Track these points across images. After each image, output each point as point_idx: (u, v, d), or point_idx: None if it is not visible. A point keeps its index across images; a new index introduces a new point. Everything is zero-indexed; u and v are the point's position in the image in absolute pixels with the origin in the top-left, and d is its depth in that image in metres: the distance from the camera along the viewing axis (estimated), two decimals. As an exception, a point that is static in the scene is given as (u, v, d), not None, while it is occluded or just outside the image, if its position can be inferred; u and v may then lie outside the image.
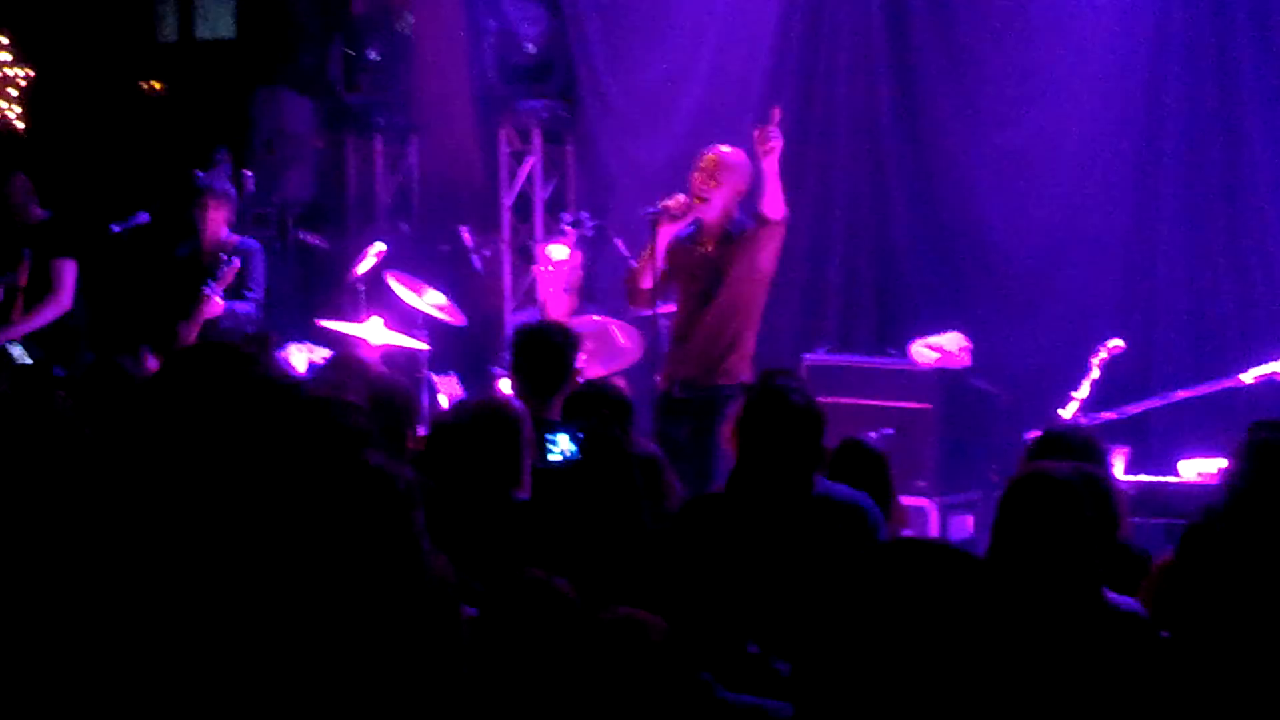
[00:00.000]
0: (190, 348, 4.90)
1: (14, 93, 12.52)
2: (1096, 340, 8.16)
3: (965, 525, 8.77)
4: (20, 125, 12.52)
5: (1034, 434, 5.72)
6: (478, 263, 11.31)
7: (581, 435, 4.73)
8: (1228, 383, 7.85)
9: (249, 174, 11.54)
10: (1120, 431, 7.74)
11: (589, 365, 7.95)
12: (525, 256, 11.35)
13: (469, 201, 11.62)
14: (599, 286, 9.85)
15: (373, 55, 11.62)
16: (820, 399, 4.98)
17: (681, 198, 7.74)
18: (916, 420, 8.74)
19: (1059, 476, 4.16)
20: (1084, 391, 7.96)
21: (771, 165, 7.62)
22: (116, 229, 9.50)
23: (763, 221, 7.69)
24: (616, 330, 8.78)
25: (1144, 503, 7.09)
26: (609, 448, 4.56)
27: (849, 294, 9.89)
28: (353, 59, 11.66)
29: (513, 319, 9.38)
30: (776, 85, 10.04)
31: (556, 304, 9.03)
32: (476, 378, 9.65)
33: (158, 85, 13.60)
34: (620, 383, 8.11)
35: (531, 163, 11.36)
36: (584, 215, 10.54)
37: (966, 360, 8.93)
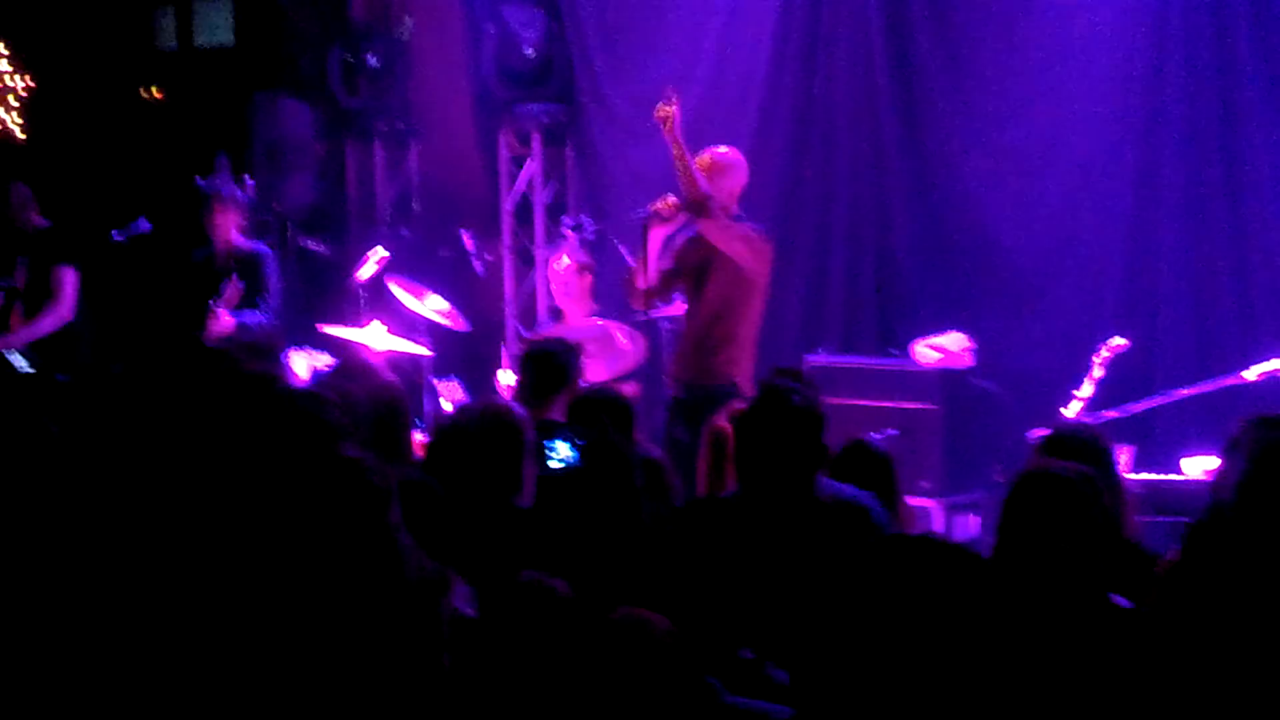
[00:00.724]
0: (171, 348, 4.94)
1: (14, 101, 12.52)
2: (1099, 339, 8.15)
3: (970, 525, 8.76)
4: (20, 134, 12.52)
5: (1039, 433, 5.70)
6: (479, 267, 11.31)
7: (581, 441, 4.72)
8: (1231, 380, 7.84)
9: (249, 180, 11.53)
10: (1124, 430, 7.72)
11: (591, 368, 7.95)
12: (525, 260, 11.35)
13: (469, 206, 11.61)
14: (600, 289, 9.84)
15: (372, 61, 11.62)
16: (822, 400, 4.97)
17: (672, 199, 7.77)
18: (920, 421, 8.72)
19: (1064, 475, 4.15)
20: (1087, 390, 7.96)
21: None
22: (118, 237, 9.49)
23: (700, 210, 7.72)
24: (618, 333, 8.77)
25: (1148, 501, 7.07)
26: (608, 453, 4.55)
27: (851, 295, 9.88)
28: (352, 65, 11.65)
29: (538, 329, 9.41)
30: (776, 88, 10.04)
31: (578, 311, 9.03)
32: (478, 382, 9.64)
33: (157, 93, 13.60)
34: (630, 386, 8.13)
35: (531, 167, 11.36)
36: (584, 219, 10.54)
37: (969, 360, 8.92)
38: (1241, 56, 8.71)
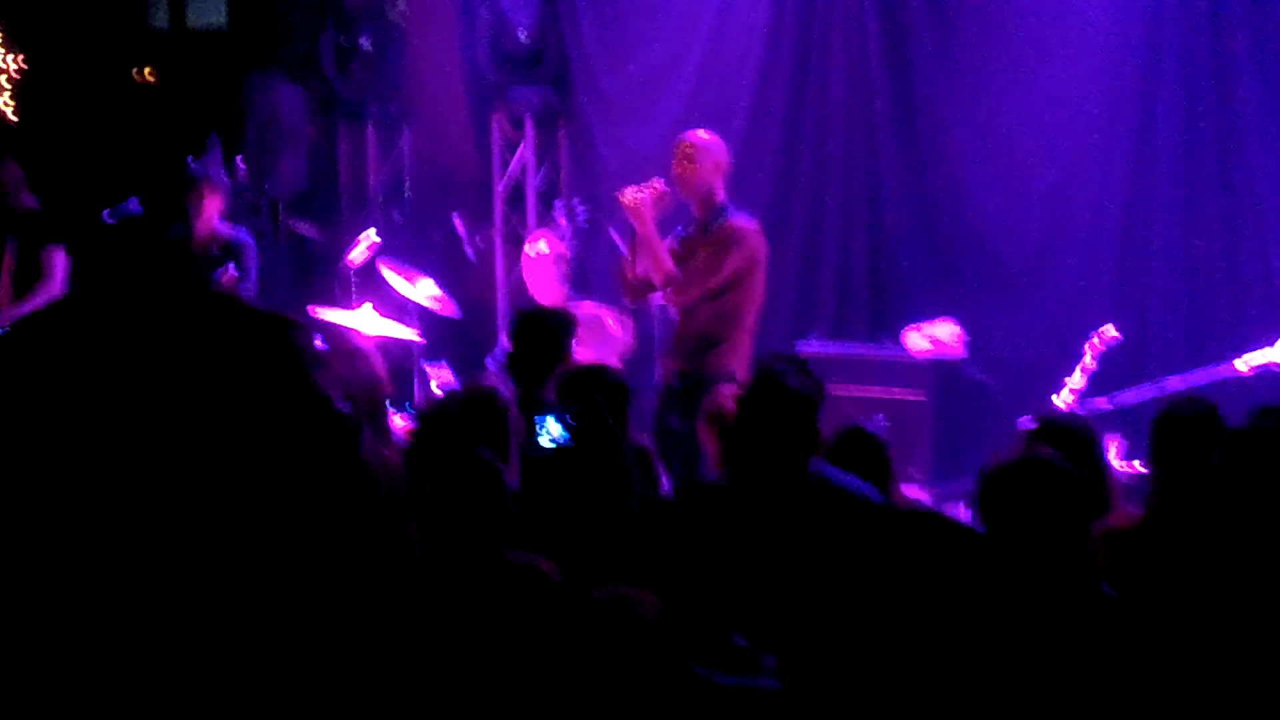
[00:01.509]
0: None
1: (5, 81, 12.48)
2: (1090, 329, 8.15)
3: (959, 514, 8.75)
4: (12, 114, 12.49)
5: (1028, 422, 5.70)
6: (470, 251, 11.29)
7: (572, 420, 4.70)
8: (1222, 370, 7.84)
9: (241, 162, 11.51)
10: (1114, 419, 7.72)
11: (580, 352, 7.93)
12: (517, 244, 11.33)
13: (461, 189, 11.60)
14: (592, 274, 9.83)
15: (365, 44, 11.59)
16: (823, 386, 4.96)
17: (658, 183, 7.76)
18: (910, 409, 8.73)
19: (1046, 461, 4.14)
20: (1078, 380, 7.96)
21: (641, 226, 7.64)
22: (108, 217, 9.46)
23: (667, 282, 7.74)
24: (609, 319, 8.75)
25: (1137, 490, 7.06)
26: (599, 433, 4.54)
27: (843, 283, 9.88)
28: (344, 47, 11.63)
29: (508, 308, 9.36)
30: (769, 74, 10.03)
31: (551, 296, 8.99)
32: (469, 366, 9.63)
33: (150, 73, 13.56)
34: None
35: (524, 151, 11.34)
36: (576, 203, 10.52)
37: (960, 349, 8.92)
38: (1238, 49, 8.71)
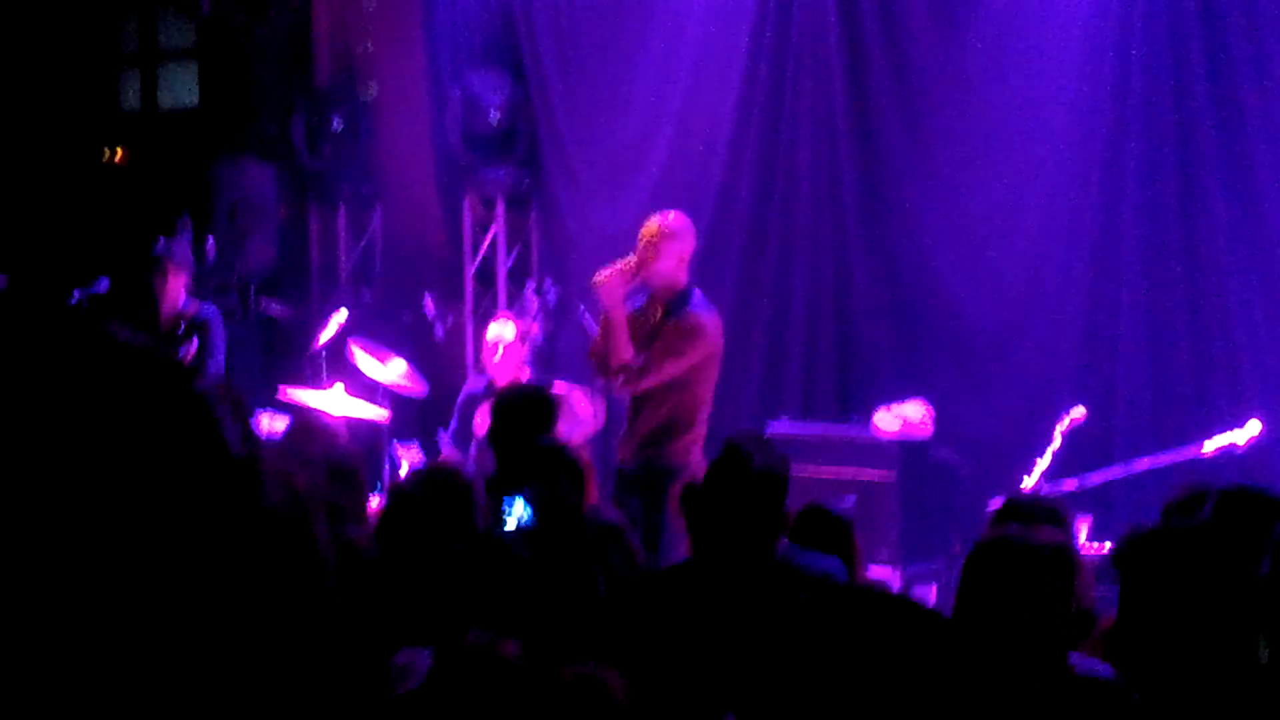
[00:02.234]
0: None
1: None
2: (1058, 409, 8.17)
3: (928, 595, 8.74)
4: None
5: (997, 503, 5.70)
6: (440, 331, 11.29)
7: (537, 501, 4.69)
8: (1189, 452, 7.86)
9: (211, 242, 11.52)
10: (1082, 500, 7.74)
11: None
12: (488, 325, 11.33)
13: (432, 269, 11.61)
14: (561, 353, 9.83)
15: (336, 124, 11.63)
16: (788, 465, 4.95)
17: (630, 262, 7.72)
18: (878, 489, 8.73)
19: (1023, 542, 4.14)
20: (1046, 460, 7.97)
21: (611, 307, 7.66)
22: (77, 296, 9.44)
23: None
24: (580, 399, 8.74)
25: (1106, 571, 7.06)
26: (564, 514, 4.52)
27: (810, 363, 9.90)
28: (316, 127, 11.67)
29: (470, 385, 9.31)
30: (739, 153, 10.09)
31: (509, 377, 8.94)
32: (437, 446, 9.61)
33: (120, 154, 13.58)
34: (583, 453, 8.08)
35: (495, 230, 11.36)
36: (548, 283, 10.54)
37: (928, 429, 8.93)
38: (1201, 126, 8.79)
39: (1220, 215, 8.75)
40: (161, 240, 9.82)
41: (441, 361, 11.07)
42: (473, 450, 8.60)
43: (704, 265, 8.10)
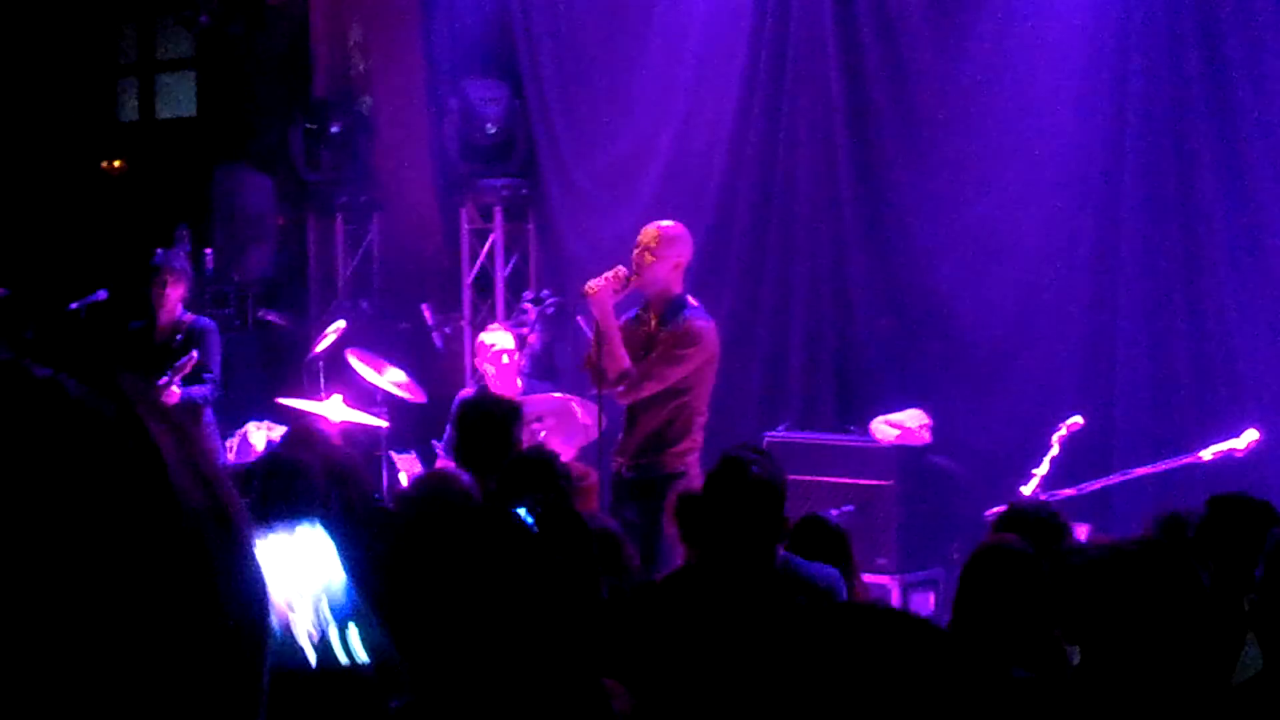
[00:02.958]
0: None
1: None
2: (1057, 417, 8.17)
3: (926, 603, 8.75)
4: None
5: (996, 511, 5.72)
6: (438, 340, 11.30)
7: (538, 510, 4.68)
8: (1187, 459, 7.87)
9: (209, 252, 11.53)
10: (1081, 508, 7.74)
11: (549, 442, 7.92)
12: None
13: (430, 279, 11.62)
14: (560, 363, 9.85)
15: (334, 133, 11.65)
16: (783, 473, 4.96)
17: (620, 270, 7.72)
18: (877, 497, 8.73)
19: (1019, 550, 4.16)
20: (1045, 468, 7.98)
21: (601, 316, 7.66)
22: (75, 306, 9.46)
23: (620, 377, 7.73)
24: (577, 407, 8.75)
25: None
26: (566, 522, 4.52)
27: (810, 372, 9.90)
28: (314, 137, 11.68)
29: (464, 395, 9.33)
30: (737, 163, 10.10)
31: (505, 387, 8.96)
32: (435, 456, 9.62)
33: (118, 164, 13.60)
34: (582, 467, 8.08)
35: (492, 240, 11.37)
36: (545, 293, 10.55)
37: (927, 437, 8.94)
38: (1200, 139, 8.80)
39: (1219, 224, 8.76)
40: (160, 251, 9.84)
41: (440, 371, 11.07)
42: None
43: (702, 275, 8.11)
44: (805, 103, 9.89)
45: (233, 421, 9.82)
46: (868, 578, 7.11)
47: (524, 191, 11.22)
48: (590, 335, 8.36)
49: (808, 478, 8.51)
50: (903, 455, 8.85)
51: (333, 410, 9.01)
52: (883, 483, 8.77)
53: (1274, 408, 8.36)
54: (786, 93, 9.96)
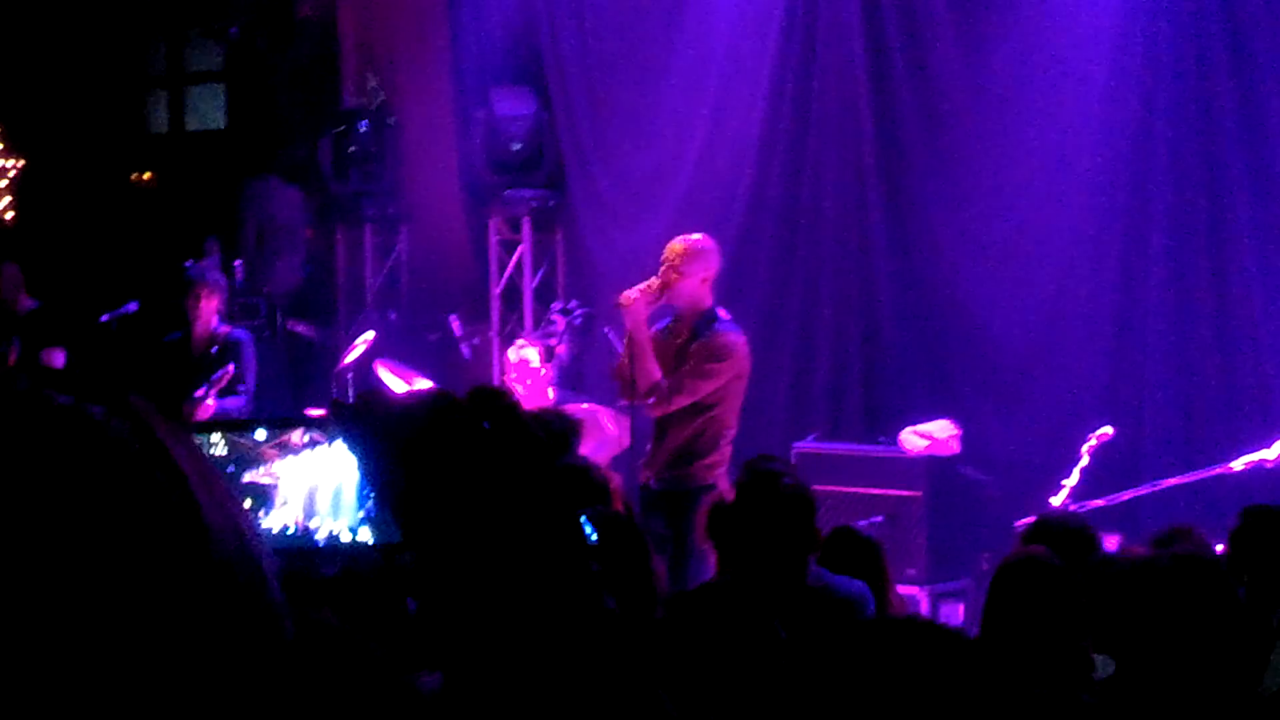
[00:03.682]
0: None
1: (4, 183, 12.56)
2: (1085, 428, 8.16)
3: (955, 614, 8.74)
4: (10, 216, 12.56)
5: (1025, 522, 5.71)
6: (466, 351, 11.33)
7: (598, 520, 4.68)
8: (1217, 470, 7.85)
9: (238, 264, 11.58)
10: (1111, 519, 7.72)
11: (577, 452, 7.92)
12: (515, 345, 11.36)
13: (458, 290, 11.65)
14: (588, 374, 9.86)
15: (362, 146, 11.69)
16: (810, 485, 4.97)
17: (654, 283, 7.73)
18: (906, 508, 8.72)
19: (1049, 561, 4.16)
20: (1074, 479, 7.96)
21: (635, 328, 7.66)
22: (106, 318, 9.51)
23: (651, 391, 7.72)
24: (605, 418, 8.77)
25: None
26: (627, 534, 4.52)
27: (838, 382, 9.90)
28: (343, 149, 11.72)
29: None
30: (764, 176, 10.10)
31: (535, 399, 8.97)
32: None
33: (148, 176, 13.66)
34: (614, 474, 8.09)
35: (521, 251, 11.40)
36: (573, 304, 10.57)
37: (956, 448, 8.92)
38: (1228, 150, 8.78)
39: (1248, 232, 8.74)
40: (191, 263, 9.89)
41: (468, 382, 11.09)
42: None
43: (729, 286, 8.11)
44: (833, 115, 9.89)
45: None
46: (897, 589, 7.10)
47: (551, 203, 11.24)
48: (618, 346, 8.38)
49: (836, 488, 8.51)
50: (931, 466, 8.84)
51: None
52: (911, 493, 8.76)
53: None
54: (814, 104, 9.96)
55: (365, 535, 3.83)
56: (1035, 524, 5.34)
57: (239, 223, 11.88)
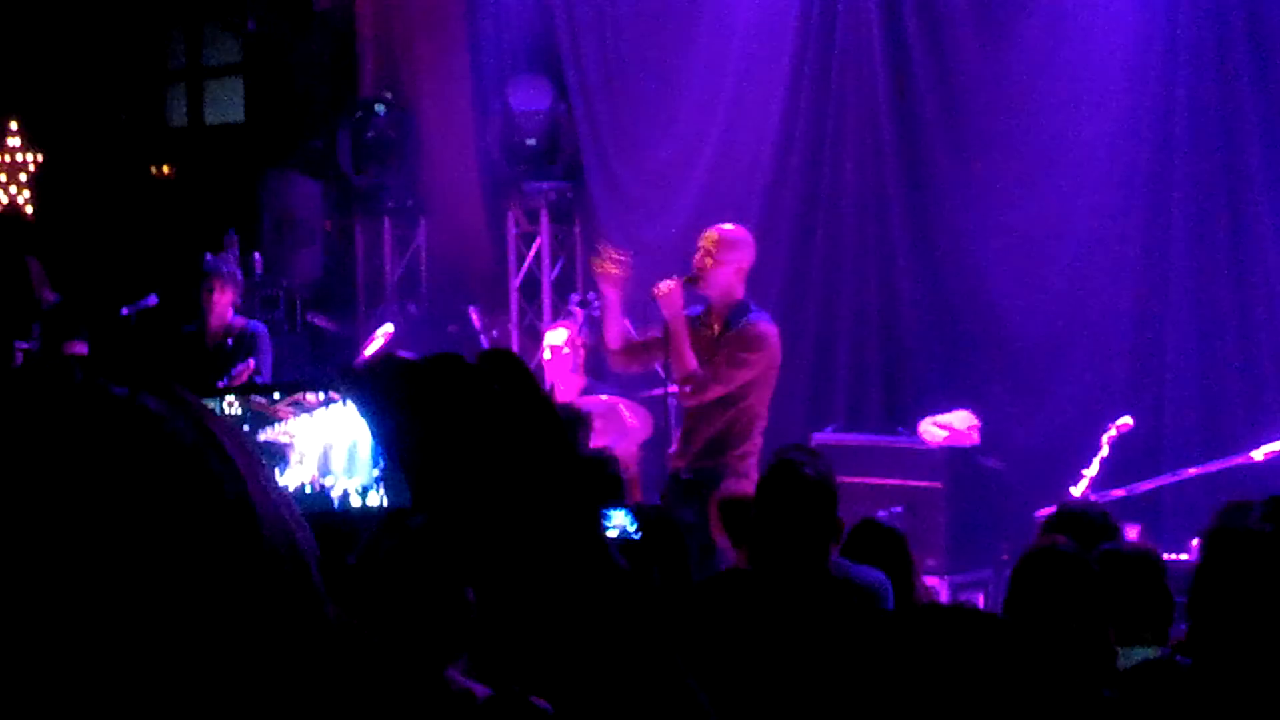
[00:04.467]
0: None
1: (24, 178, 12.59)
2: (1105, 418, 8.15)
3: (976, 604, 8.74)
4: (30, 210, 12.60)
5: (1045, 512, 5.71)
6: (486, 343, 11.34)
7: (641, 514, 4.68)
8: (1237, 460, 7.84)
9: (258, 256, 11.60)
10: (1131, 509, 7.72)
11: (598, 442, 7.94)
12: (533, 337, 11.37)
13: (477, 282, 11.66)
14: (607, 364, 9.85)
15: (381, 138, 11.70)
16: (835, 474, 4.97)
17: (675, 280, 7.75)
18: (926, 499, 8.71)
19: (1069, 551, 4.16)
20: (1094, 469, 7.96)
21: (672, 317, 7.67)
22: (126, 312, 9.53)
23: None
24: (625, 409, 8.78)
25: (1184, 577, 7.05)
26: (667, 530, 4.52)
27: (857, 373, 9.90)
28: (361, 142, 11.74)
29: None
30: (783, 166, 10.10)
31: (566, 386, 9.03)
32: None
33: (167, 169, 13.68)
34: (630, 465, 8.11)
35: (539, 243, 11.41)
36: (591, 295, 10.57)
37: (975, 438, 8.92)
38: (1248, 138, 8.77)
39: (1268, 222, 8.73)
40: (208, 255, 9.91)
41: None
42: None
43: (750, 277, 8.11)
44: (852, 105, 9.89)
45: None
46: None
47: (570, 194, 11.25)
48: (636, 337, 8.38)
49: (856, 479, 8.50)
50: (951, 456, 8.84)
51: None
52: (931, 484, 8.75)
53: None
54: (833, 95, 9.95)
55: (376, 498, 3.85)
56: (1056, 514, 5.35)
57: (258, 216, 11.91)
